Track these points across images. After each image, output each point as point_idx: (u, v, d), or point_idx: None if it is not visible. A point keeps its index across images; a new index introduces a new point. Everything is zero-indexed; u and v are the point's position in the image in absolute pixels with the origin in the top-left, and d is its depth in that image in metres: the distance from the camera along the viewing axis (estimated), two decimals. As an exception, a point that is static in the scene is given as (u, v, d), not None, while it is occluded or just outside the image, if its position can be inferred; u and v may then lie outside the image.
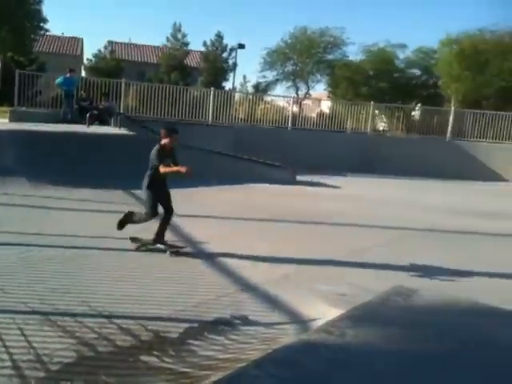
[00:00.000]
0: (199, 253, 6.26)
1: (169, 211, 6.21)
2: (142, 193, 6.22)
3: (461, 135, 20.80)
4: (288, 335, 4.07)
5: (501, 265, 6.72)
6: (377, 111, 23.61)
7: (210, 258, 6.03)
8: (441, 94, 28.39)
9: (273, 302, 4.78)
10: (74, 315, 4.07)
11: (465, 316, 4.35)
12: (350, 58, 31.77)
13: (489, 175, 18.80)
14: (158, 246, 6.19)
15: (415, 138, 21.22)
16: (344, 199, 12.04)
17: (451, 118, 20.88)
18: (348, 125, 22.14)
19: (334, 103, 24.86)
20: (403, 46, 29.97)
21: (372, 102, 21.77)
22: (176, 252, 6.09)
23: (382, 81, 29.12)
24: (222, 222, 8.19)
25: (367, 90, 28.54)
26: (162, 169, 5.94)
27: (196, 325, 4.09)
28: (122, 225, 6.35)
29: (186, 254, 6.11)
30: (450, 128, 20.74)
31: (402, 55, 30.40)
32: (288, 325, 4.36)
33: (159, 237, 6.23)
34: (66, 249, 5.94)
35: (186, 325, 4.06)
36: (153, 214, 6.15)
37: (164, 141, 6.12)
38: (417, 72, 30.89)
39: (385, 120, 25.47)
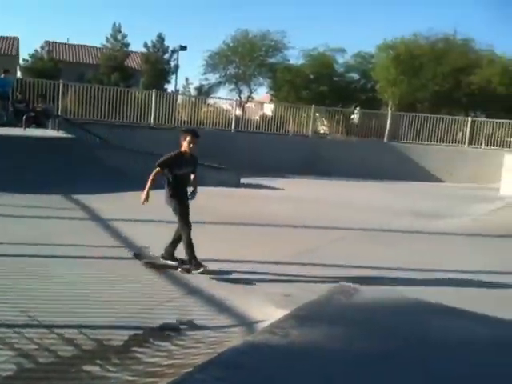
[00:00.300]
0: (143, 258, 6.15)
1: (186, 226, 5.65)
2: (168, 204, 5.70)
3: (397, 137, 21.57)
4: (234, 338, 4.08)
5: (441, 263, 7.01)
6: (317, 114, 24.10)
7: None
8: (378, 97, 29.28)
9: (219, 305, 4.78)
10: (12, 326, 3.92)
11: (407, 313, 4.47)
12: (291, 61, 32.21)
13: (424, 176, 19.57)
14: (168, 262, 5.72)
15: (354, 140, 21.81)
16: (288, 201, 12.20)
17: (388, 121, 21.64)
18: (290, 128, 22.48)
19: (277, 106, 25.17)
20: (342, 51, 30.67)
21: (313, 106, 22.23)
22: (188, 269, 5.58)
23: (322, 84, 29.66)
24: (165, 226, 8.07)
25: (308, 94, 29.02)
26: (152, 176, 5.49)
27: (141, 331, 4.03)
28: (198, 266, 5.57)
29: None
30: (387, 131, 21.48)
31: (341, 59, 31.12)
32: (234, 327, 4.38)
33: (170, 252, 5.76)
34: (1, 257, 5.71)
35: (131, 332, 4.00)
36: (187, 222, 5.58)
37: (183, 145, 5.62)
38: (355, 76, 31.68)
39: (325, 123, 26.00)
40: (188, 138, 5.62)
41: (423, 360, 3.49)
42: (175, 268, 5.66)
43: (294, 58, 32.31)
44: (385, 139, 21.50)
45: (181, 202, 5.63)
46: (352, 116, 26.66)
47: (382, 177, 18.33)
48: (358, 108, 28.73)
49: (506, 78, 26.11)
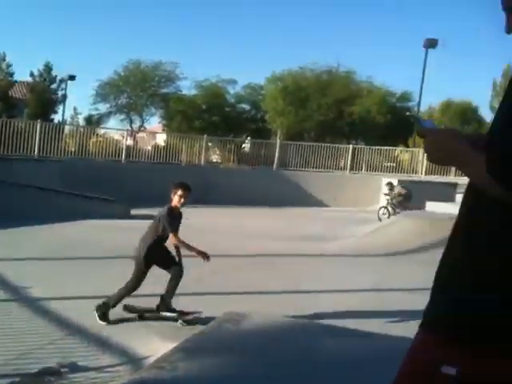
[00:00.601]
0: (22, 298, 5.85)
1: (179, 270, 5.39)
2: (135, 259, 5.33)
3: (286, 165, 22.44)
4: (120, 377, 4.01)
5: (327, 283, 7.38)
6: (210, 144, 24.44)
7: (35, 303, 5.67)
8: (268, 127, 30.33)
9: (104, 343, 4.67)
10: None
11: (295, 336, 4.56)
12: (184, 92, 32.52)
13: (312, 201, 20.40)
14: (165, 314, 5.31)
15: (246, 168, 22.36)
16: (180, 230, 12.15)
17: (277, 150, 22.48)
18: (183, 157, 22.56)
19: (169, 136, 25.19)
20: (233, 82, 31.50)
21: (205, 135, 22.56)
22: (189, 320, 5.29)
23: (214, 115, 30.17)
24: (49, 264, 7.75)
25: (200, 124, 29.35)
26: (176, 240, 5.21)
27: (17, 379, 3.83)
28: (104, 317, 5.18)
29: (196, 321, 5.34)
30: (276, 159, 22.29)
31: (232, 90, 31.93)
32: (120, 366, 4.30)
33: (167, 303, 5.32)
34: None
35: (7, 380, 3.79)
36: (136, 286, 5.27)
37: (173, 200, 5.33)
38: (246, 107, 32.59)
39: (218, 152, 26.41)
40: (179, 192, 5.36)
41: (315, 381, 3.58)
42: (174, 320, 5.31)
43: (187, 88, 32.69)
44: (274, 167, 22.27)
45: (150, 258, 5.33)
46: (243, 145, 27.33)
47: (272, 203, 18.88)
48: (249, 137, 29.51)
49: (384, 107, 28.27)
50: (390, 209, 16.98)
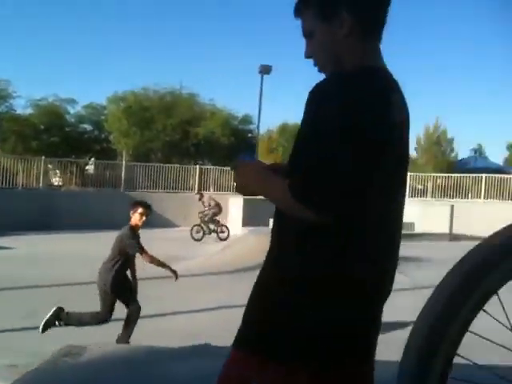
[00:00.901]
0: None
1: (137, 306, 5.21)
2: (101, 289, 5.18)
3: (134, 187, 22.02)
4: None
5: (177, 304, 7.33)
6: (50, 166, 23.06)
7: None
8: (113, 148, 29.56)
9: None
10: None
11: (140, 363, 4.45)
12: (18, 111, 30.24)
13: (162, 222, 20.17)
14: None
15: (91, 191, 21.48)
16: (16, 261, 11.24)
17: (123, 171, 21.97)
18: (19, 181, 21.00)
19: (2, 158, 23.24)
20: (73, 102, 30.16)
21: (43, 157, 21.26)
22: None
23: (53, 135, 28.60)
24: None
25: (38, 145, 27.60)
26: (148, 257, 5.03)
27: None
28: (48, 325, 4.97)
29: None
30: (122, 180, 21.77)
31: (72, 110, 30.54)
32: None
33: (125, 341, 5.09)
34: None
35: None
36: (106, 317, 5.16)
37: (133, 218, 5.15)
38: (88, 127, 31.42)
39: (59, 174, 25.03)
40: (140, 210, 5.26)
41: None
42: None
43: (21, 107, 30.43)
44: (121, 189, 21.70)
45: (120, 290, 5.18)
46: (87, 167, 26.27)
47: (120, 226, 18.15)
48: (92, 158, 28.42)
49: (227, 129, 29.22)
50: (204, 227, 17.46)
